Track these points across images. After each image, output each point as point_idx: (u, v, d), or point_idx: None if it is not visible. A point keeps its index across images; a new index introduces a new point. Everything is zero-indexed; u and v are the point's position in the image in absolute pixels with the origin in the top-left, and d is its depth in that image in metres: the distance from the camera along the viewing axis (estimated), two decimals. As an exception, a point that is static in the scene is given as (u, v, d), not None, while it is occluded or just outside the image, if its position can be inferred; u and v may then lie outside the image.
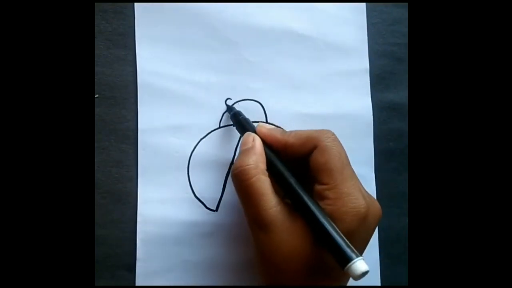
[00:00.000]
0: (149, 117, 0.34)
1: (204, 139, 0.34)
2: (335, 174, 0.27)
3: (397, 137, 0.37)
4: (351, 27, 0.37)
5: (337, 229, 0.25)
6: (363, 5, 0.37)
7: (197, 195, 0.34)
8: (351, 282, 0.31)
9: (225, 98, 0.35)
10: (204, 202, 0.34)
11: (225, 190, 0.34)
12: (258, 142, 0.29)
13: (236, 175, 0.28)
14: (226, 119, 0.35)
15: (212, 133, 0.34)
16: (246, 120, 0.32)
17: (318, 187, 0.27)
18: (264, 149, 0.29)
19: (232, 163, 0.34)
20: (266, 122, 0.35)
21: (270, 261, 0.27)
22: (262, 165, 0.28)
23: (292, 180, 0.28)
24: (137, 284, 0.33)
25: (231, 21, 0.35)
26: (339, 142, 0.28)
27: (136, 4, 0.34)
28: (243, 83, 0.35)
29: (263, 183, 0.27)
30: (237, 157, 0.29)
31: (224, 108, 0.35)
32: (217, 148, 0.34)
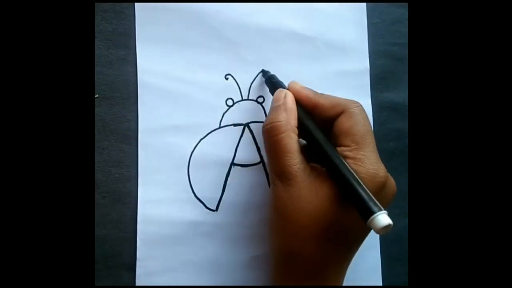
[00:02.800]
0: (149, 117, 0.34)
1: (204, 139, 0.34)
2: (357, 139, 0.28)
3: (397, 137, 0.37)
4: (351, 27, 0.37)
5: (362, 183, 0.26)
6: (363, 5, 0.37)
7: (197, 195, 0.34)
8: (352, 282, 0.31)
9: (225, 98, 0.35)
10: (204, 202, 0.34)
11: (225, 190, 0.34)
12: (290, 99, 0.30)
13: (266, 131, 0.28)
14: (226, 119, 0.35)
15: (212, 133, 0.34)
16: (280, 82, 0.32)
17: (340, 148, 0.28)
18: (297, 105, 0.30)
19: (232, 163, 0.35)
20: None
21: (288, 217, 0.27)
22: (293, 122, 0.29)
23: (320, 136, 0.28)
24: (137, 284, 0.33)
25: (231, 21, 0.35)
26: (365, 111, 0.29)
27: (136, 4, 0.34)
28: (243, 83, 0.35)
29: (291, 140, 0.28)
30: (269, 112, 0.30)
31: (225, 107, 0.35)
32: (217, 148, 0.34)
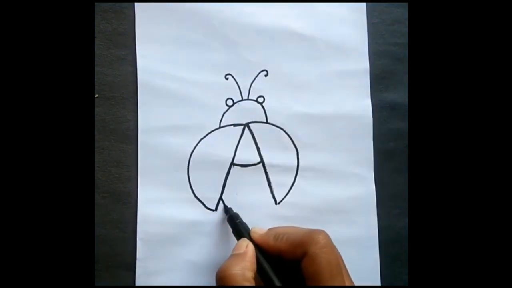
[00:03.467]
0: (149, 117, 0.34)
1: (204, 139, 0.34)
2: (324, 284, 0.26)
3: (397, 137, 0.37)
4: (351, 27, 0.37)
5: None
6: (363, 5, 0.37)
7: (197, 195, 0.34)
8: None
9: (225, 98, 0.35)
10: (204, 202, 0.34)
11: (225, 190, 0.34)
12: (251, 249, 0.29)
13: (220, 278, 0.27)
14: (226, 119, 0.35)
15: (212, 133, 0.34)
16: (242, 224, 0.32)
17: None
18: (257, 254, 0.29)
19: (232, 163, 0.35)
20: (266, 122, 0.35)
21: None
22: (249, 273, 0.28)
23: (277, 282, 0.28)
24: (137, 284, 0.33)
25: (231, 21, 0.35)
26: (331, 246, 0.28)
27: (136, 4, 0.34)
28: (243, 83, 0.35)
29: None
30: (227, 260, 0.29)
31: (225, 107, 0.35)
32: (217, 148, 0.34)
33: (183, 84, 0.34)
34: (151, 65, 0.34)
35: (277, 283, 0.28)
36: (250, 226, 0.32)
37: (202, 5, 0.35)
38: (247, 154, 0.35)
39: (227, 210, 0.34)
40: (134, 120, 0.34)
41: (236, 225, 0.32)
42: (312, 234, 0.28)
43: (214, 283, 0.33)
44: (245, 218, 0.34)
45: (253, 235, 0.30)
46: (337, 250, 0.28)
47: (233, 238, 0.33)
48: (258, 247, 0.30)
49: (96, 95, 0.34)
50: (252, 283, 0.27)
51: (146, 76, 0.34)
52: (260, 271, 0.29)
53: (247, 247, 0.29)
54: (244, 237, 0.31)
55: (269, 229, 0.31)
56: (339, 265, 0.27)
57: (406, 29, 0.37)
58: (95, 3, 0.34)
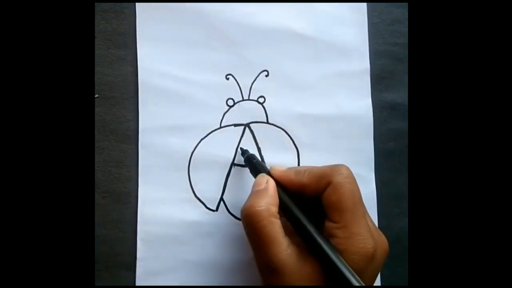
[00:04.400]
0: (150, 117, 0.34)
1: (205, 139, 0.34)
2: (346, 214, 0.27)
3: (397, 137, 0.37)
4: (351, 27, 0.37)
5: (350, 269, 0.25)
6: (364, 5, 0.37)
7: (197, 195, 0.34)
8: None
9: (226, 98, 0.35)
10: (204, 202, 0.34)
11: (226, 190, 0.34)
12: (272, 184, 0.29)
13: (246, 216, 0.27)
14: (227, 119, 0.35)
15: (213, 133, 0.34)
16: (260, 163, 0.32)
17: (329, 224, 0.27)
18: (278, 190, 0.29)
19: (233, 163, 0.35)
20: (267, 122, 0.35)
21: None
22: (274, 208, 0.28)
23: (305, 222, 0.27)
24: (137, 284, 0.33)
25: (232, 21, 0.35)
26: (353, 178, 0.28)
27: (137, 4, 0.34)
28: (243, 83, 0.35)
29: (274, 226, 0.27)
30: (249, 197, 0.29)
31: (226, 108, 0.35)
32: (218, 148, 0.34)
33: (183, 84, 0.34)
34: (152, 65, 0.34)
35: (300, 215, 0.28)
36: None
37: (203, 5, 0.35)
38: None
39: (243, 152, 0.33)
40: (134, 120, 0.34)
41: (254, 165, 0.32)
42: (335, 166, 0.28)
43: (214, 283, 0.34)
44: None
45: (273, 171, 0.30)
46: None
47: (235, 238, 0.33)
48: (278, 184, 0.29)
49: (96, 95, 0.34)
50: (278, 218, 0.27)
51: (147, 76, 0.34)
52: (281, 206, 0.28)
53: (267, 182, 0.29)
54: (263, 171, 0.30)
55: (289, 168, 0.30)
56: (360, 194, 0.28)
57: (406, 29, 0.37)
58: (95, 3, 0.34)
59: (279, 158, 0.35)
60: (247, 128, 0.35)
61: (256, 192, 0.29)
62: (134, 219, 0.33)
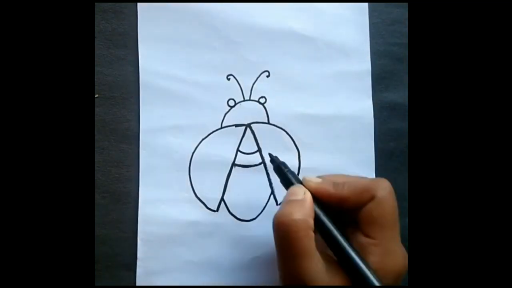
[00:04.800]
0: (151, 117, 0.34)
1: (206, 139, 0.34)
2: (386, 231, 0.26)
3: (397, 137, 0.37)
4: (352, 28, 0.37)
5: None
6: (365, 5, 0.37)
7: (198, 195, 0.34)
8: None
9: (227, 99, 0.35)
10: (205, 202, 0.34)
11: (226, 190, 0.34)
12: (309, 196, 0.27)
13: (282, 224, 0.26)
14: (228, 120, 0.35)
15: (214, 133, 0.34)
16: (292, 172, 0.30)
17: (364, 239, 0.27)
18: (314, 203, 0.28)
19: (233, 163, 0.35)
20: (268, 123, 0.35)
21: None
22: (311, 221, 0.26)
23: (341, 240, 0.27)
24: (137, 284, 0.33)
25: (233, 21, 0.35)
26: (394, 193, 0.28)
27: (139, 4, 0.34)
28: (244, 83, 0.35)
29: (310, 240, 0.26)
30: (284, 205, 0.27)
31: (227, 108, 0.35)
32: (219, 148, 0.34)
33: (184, 85, 0.34)
34: (153, 65, 0.34)
35: (337, 234, 0.27)
36: (251, 224, 0.32)
37: (204, 5, 0.35)
38: (249, 154, 0.35)
39: (273, 159, 0.31)
40: (134, 120, 0.34)
41: (285, 174, 0.30)
42: (378, 180, 0.28)
43: (214, 283, 0.33)
44: (246, 218, 0.34)
45: (308, 184, 0.28)
46: None
47: (235, 238, 0.33)
48: (313, 196, 0.28)
49: (96, 95, 0.33)
50: (314, 232, 0.26)
51: (148, 76, 0.34)
52: (315, 219, 0.27)
53: (305, 194, 0.27)
54: (299, 184, 0.29)
55: (322, 177, 0.29)
56: (398, 214, 0.27)
57: (406, 29, 0.37)
58: (95, 3, 0.34)
59: (279, 159, 0.35)
60: (248, 129, 0.35)
61: (293, 202, 0.27)
62: (134, 219, 0.33)
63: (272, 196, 0.35)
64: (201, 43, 0.35)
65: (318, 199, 0.28)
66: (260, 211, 0.35)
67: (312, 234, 0.26)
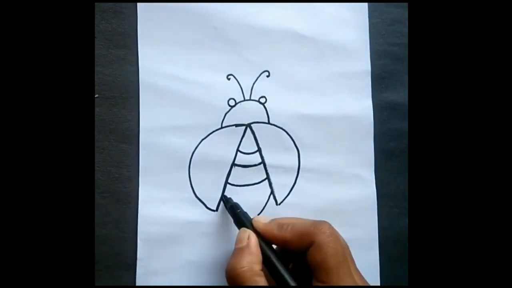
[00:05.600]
0: (151, 117, 0.34)
1: (206, 139, 0.34)
2: (331, 274, 0.27)
3: (397, 137, 0.37)
4: (352, 28, 0.37)
5: None
6: (364, 5, 0.37)
7: (197, 195, 0.34)
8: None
9: (227, 99, 0.35)
10: (205, 202, 0.34)
11: (226, 190, 0.34)
12: (253, 240, 0.29)
13: (230, 278, 0.28)
14: (228, 119, 0.35)
15: (214, 133, 0.34)
16: (243, 213, 0.32)
17: (316, 283, 0.27)
18: (260, 244, 0.29)
19: (233, 163, 0.35)
20: (268, 123, 0.35)
21: None
22: (257, 266, 0.28)
23: (289, 279, 0.27)
24: (137, 284, 0.33)
25: (233, 21, 0.35)
26: (337, 235, 0.28)
27: (139, 4, 0.34)
28: (245, 83, 0.35)
29: (259, 284, 0.27)
30: (232, 256, 0.29)
31: (227, 108, 0.35)
32: (218, 148, 0.34)
33: (185, 84, 0.34)
34: (153, 65, 0.34)
35: (284, 273, 0.28)
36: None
37: (204, 6, 0.35)
38: (249, 154, 0.35)
39: (227, 200, 0.33)
40: (134, 120, 0.34)
41: (237, 215, 0.31)
42: (318, 225, 0.28)
43: (214, 283, 0.34)
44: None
45: (256, 224, 0.30)
46: (343, 239, 0.28)
47: (235, 238, 0.33)
48: (261, 237, 0.29)
49: (96, 95, 0.33)
50: (262, 276, 0.27)
51: (148, 76, 0.34)
52: (265, 261, 0.28)
53: (249, 238, 0.29)
54: (245, 226, 0.30)
55: (272, 220, 0.30)
56: (344, 253, 0.28)
57: (406, 29, 0.37)
58: (95, 3, 0.34)
59: (279, 159, 0.35)
60: (248, 129, 0.35)
61: (238, 250, 0.29)
62: (134, 219, 0.33)
63: (272, 196, 0.35)
64: (201, 43, 0.35)
65: (267, 240, 0.29)
66: (260, 211, 0.35)
67: (260, 279, 0.27)
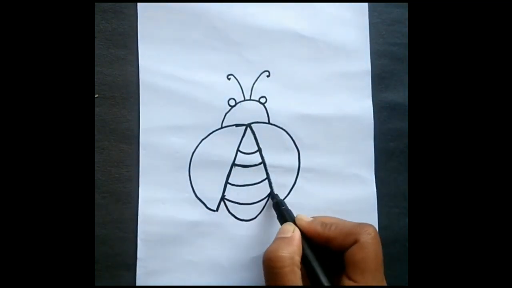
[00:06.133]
0: (151, 117, 0.34)
1: (206, 139, 0.34)
2: (368, 276, 0.27)
3: (397, 137, 0.37)
4: (352, 28, 0.37)
5: None
6: (365, 5, 0.37)
7: (198, 195, 0.34)
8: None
9: (228, 98, 0.35)
10: (205, 202, 0.34)
11: (226, 190, 0.34)
12: (298, 234, 0.29)
13: (269, 259, 0.28)
14: (228, 119, 0.35)
15: (214, 133, 0.34)
16: (288, 210, 0.32)
17: (348, 282, 0.27)
18: (302, 242, 0.29)
19: (233, 163, 0.35)
20: (268, 123, 0.35)
21: None
22: (297, 258, 0.28)
23: (323, 280, 0.28)
24: (137, 284, 0.33)
25: (233, 22, 0.35)
26: (379, 239, 0.29)
27: (139, 4, 0.34)
28: (245, 83, 0.35)
29: (295, 276, 0.27)
30: (273, 242, 0.29)
31: (227, 108, 0.35)
32: (219, 148, 0.34)
33: (185, 84, 0.34)
34: (153, 65, 0.34)
35: (320, 273, 0.28)
36: (251, 224, 0.32)
37: (204, 6, 0.34)
38: (249, 154, 0.35)
39: (273, 196, 0.34)
40: (134, 120, 0.34)
41: (281, 211, 0.32)
42: (364, 226, 0.29)
43: (214, 283, 0.33)
44: (246, 218, 0.34)
45: (299, 222, 0.31)
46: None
47: (235, 238, 0.33)
48: (303, 235, 0.30)
49: (96, 95, 0.33)
50: (299, 269, 0.28)
51: (148, 76, 0.34)
52: (303, 258, 0.29)
53: (293, 231, 0.29)
54: (290, 221, 0.31)
55: (314, 218, 0.31)
56: (382, 259, 0.28)
57: (406, 29, 0.37)
58: (95, 3, 0.34)
59: (280, 159, 0.35)
60: (248, 129, 0.35)
61: (281, 239, 0.29)
62: (134, 219, 0.33)
63: (271, 196, 0.35)
64: (201, 43, 0.35)
65: (308, 238, 0.30)
66: (260, 211, 0.35)
67: (297, 270, 0.27)
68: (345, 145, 0.36)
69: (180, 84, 0.34)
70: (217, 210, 0.34)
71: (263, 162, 0.35)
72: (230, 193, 0.34)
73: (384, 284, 0.28)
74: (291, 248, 0.28)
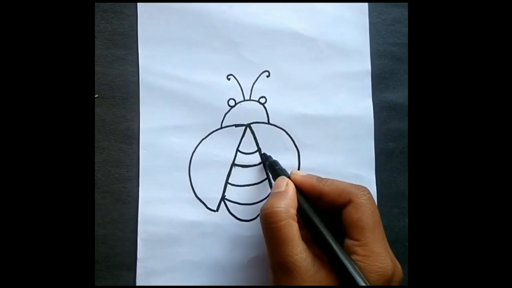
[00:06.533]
0: (151, 117, 0.34)
1: (206, 139, 0.34)
2: (366, 232, 0.27)
3: (397, 137, 0.37)
4: (352, 28, 0.37)
5: (362, 276, 0.26)
6: (365, 5, 0.37)
7: (198, 195, 0.34)
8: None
9: (227, 99, 0.35)
10: (205, 202, 0.34)
11: (226, 190, 0.34)
12: (291, 187, 0.29)
13: (265, 216, 0.28)
14: (228, 120, 0.35)
15: (214, 133, 0.34)
16: (282, 169, 0.32)
17: (349, 241, 0.28)
18: (297, 194, 0.29)
19: (233, 163, 0.35)
20: (268, 123, 0.35)
21: None
22: (293, 210, 0.28)
23: (322, 228, 0.28)
24: (137, 284, 0.33)
25: (233, 22, 0.35)
26: (373, 200, 0.29)
27: (139, 4, 0.34)
28: (245, 83, 0.35)
29: (292, 228, 0.27)
30: (268, 198, 0.29)
31: (227, 108, 0.35)
32: (219, 148, 0.34)
33: (185, 85, 0.34)
34: (153, 65, 0.34)
35: (318, 223, 0.28)
36: (251, 224, 0.32)
37: (204, 5, 0.35)
38: (249, 154, 0.35)
39: (266, 157, 0.34)
40: (134, 120, 0.34)
41: (275, 171, 0.32)
42: (359, 187, 0.29)
43: (213, 283, 0.34)
44: (246, 218, 0.34)
45: (293, 176, 0.31)
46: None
47: (235, 238, 0.33)
48: (298, 189, 0.30)
49: (96, 95, 0.33)
50: (296, 221, 0.28)
51: (148, 76, 0.34)
52: (299, 211, 0.29)
53: (287, 185, 0.29)
54: (284, 175, 0.31)
55: (309, 174, 0.31)
56: (379, 218, 0.28)
57: (406, 29, 0.37)
58: (95, 3, 0.34)
59: (279, 159, 0.35)
60: (248, 129, 0.35)
61: (275, 194, 0.29)
62: (134, 219, 0.33)
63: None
64: (201, 43, 0.35)
65: (303, 193, 0.30)
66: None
67: (294, 223, 0.28)
68: (345, 145, 0.36)
69: (180, 84, 0.34)
70: (217, 210, 0.34)
71: (262, 162, 0.35)
72: (230, 193, 0.34)
73: (385, 240, 0.28)
74: (285, 202, 0.28)
